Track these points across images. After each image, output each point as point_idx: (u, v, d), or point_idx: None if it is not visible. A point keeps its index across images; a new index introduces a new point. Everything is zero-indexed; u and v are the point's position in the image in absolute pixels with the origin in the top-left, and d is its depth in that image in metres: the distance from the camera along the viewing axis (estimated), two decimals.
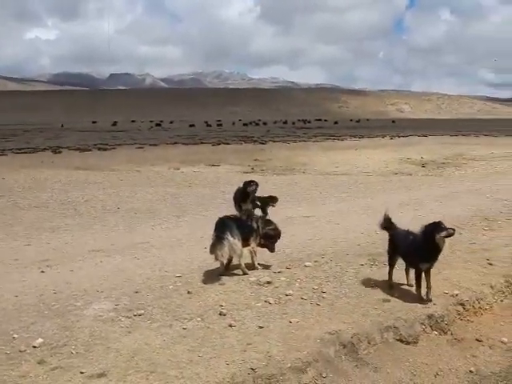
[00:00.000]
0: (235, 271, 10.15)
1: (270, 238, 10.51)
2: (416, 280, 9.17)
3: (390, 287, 9.56)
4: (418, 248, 8.93)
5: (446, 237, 8.84)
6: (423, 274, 9.07)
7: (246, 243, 10.13)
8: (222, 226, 9.83)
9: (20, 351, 6.91)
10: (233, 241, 9.66)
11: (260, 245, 10.51)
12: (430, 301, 8.97)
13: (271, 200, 15.14)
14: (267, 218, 11.61)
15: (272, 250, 10.62)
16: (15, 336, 7.34)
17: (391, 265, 9.72)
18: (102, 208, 18.12)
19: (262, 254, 10.68)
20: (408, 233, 9.38)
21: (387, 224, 9.83)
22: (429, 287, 9.08)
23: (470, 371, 7.82)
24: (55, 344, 7.12)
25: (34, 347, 7.01)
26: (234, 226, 9.86)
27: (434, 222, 8.98)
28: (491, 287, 9.93)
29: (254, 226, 10.37)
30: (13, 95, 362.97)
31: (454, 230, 8.91)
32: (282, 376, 6.61)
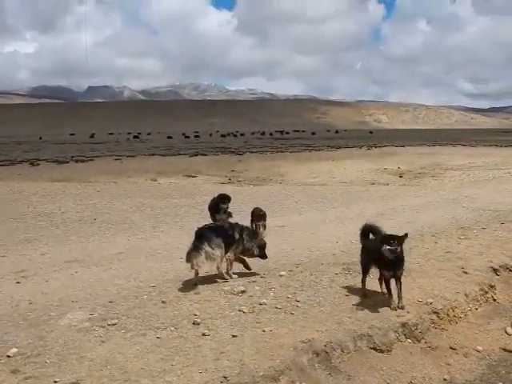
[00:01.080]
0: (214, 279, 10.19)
1: (262, 248, 10.64)
2: (386, 288, 9.23)
3: (363, 295, 9.60)
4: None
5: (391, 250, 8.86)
6: (393, 282, 9.11)
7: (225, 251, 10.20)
8: (200, 237, 9.87)
9: None
10: (210, 250, 9.70)
11: (252, 255, 10.62)
12: (402, 308, 9.02)
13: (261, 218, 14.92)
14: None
15: (265, 257, 10.81)
16: None
17: (365, 273, 9.77)
18: (79, 219, 18.08)
19: (238, 265, 10.74)
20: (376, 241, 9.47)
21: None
22: (399, 296, 9.11)
23: (444, 379, 7.87)
24: (29, 353, 7.09)
25: (9, 357, 6.99)
26: (214, 236, 9.89)
27: (385, 235, 9.15)
28: (466, 295, 9.96)
29: (236, 236, 10.40)
30: None
31: (397, 248, 8.93)
32: None
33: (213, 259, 9.82)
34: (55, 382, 6.39)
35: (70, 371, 6.63)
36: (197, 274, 10.07)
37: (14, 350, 7.14)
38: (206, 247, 9.66)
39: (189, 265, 9.79)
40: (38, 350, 7.22)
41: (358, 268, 10.12)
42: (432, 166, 41.98)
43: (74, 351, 7.17)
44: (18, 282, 10.70)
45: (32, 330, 7.87)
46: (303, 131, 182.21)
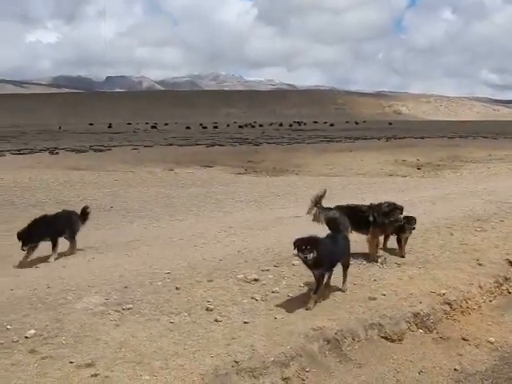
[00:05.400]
0: None
1: None
2: None
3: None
4: None
5: None
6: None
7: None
8: None
9: (13, 341, 7.04)
10: None
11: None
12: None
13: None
14: None
15: None
16: (9, 327, 7.47)
17: None
18: (96, 207, 18.14)
19: (251, 252, 10.87)
20: None
21: None
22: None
23: (455, 369, 7.86)
24: (46, 335, 7.24)
25: (26, 338, 7.14)
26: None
27: None
28: (480, 287, 9.96)
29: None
30: (12, 98, 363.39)
31: None
32: (265, 369, 6.71)
33: None
34: (71, 362, 6.55)
35: (85, 352, 6.78)
36: None
37: (32, 331, 7.31)
38: None
39: None
40: (55, 331, 7.36)
41: (372, 258, 10.25)
42: (451, 158, 41.63)
43: (89, 334, 7.30)
44: (37, 267, 11.00)
45: (49, 313, 8.01)
46: (325, 122, 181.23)
